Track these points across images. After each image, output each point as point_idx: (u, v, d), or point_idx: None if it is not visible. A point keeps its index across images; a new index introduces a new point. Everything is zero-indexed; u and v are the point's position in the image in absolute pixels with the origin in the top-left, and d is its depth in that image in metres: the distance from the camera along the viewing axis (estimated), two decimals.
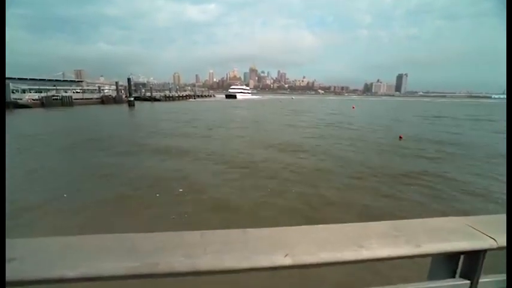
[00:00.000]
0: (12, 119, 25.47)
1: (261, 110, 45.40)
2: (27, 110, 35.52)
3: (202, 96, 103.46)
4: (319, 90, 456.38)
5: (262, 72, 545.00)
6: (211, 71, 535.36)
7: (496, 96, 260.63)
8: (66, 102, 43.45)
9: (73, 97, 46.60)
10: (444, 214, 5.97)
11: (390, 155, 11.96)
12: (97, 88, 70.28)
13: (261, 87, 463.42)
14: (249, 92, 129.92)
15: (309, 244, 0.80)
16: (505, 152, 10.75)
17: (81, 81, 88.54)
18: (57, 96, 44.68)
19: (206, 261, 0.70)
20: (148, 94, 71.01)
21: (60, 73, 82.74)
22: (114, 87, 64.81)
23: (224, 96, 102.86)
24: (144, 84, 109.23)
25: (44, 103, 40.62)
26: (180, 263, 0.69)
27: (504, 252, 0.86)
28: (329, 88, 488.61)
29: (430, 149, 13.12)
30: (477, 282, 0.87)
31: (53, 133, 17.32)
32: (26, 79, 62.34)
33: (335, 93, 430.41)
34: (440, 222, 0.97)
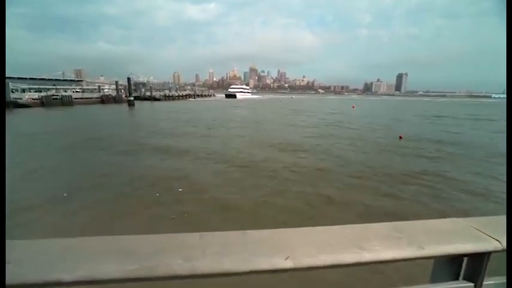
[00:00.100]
0: (12, 118, 25.45)
1: (261, 109, 45.40)
2: (27, 109, 35.51)
3: (202, 95, 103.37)
4: (319, 90, 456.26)
5: (262, 71, 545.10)
6: (211, 71, 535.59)
7: (496, 96, 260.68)
8: (66, 102, 43.42)
9: (73, 96, 46.52)
10: (444, 213, 5.98)
11: (390, 154, 11.96)
12: (97, 87, 70.27)
13: (261, 87, 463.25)
14: (249, 91, 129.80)
15: (310, 246, 0.78)
16: (505, 152, 10.73)
17: (81, 80, 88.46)
18: (57, 95, 44.66)
19: (205, 264, 0.69)
20: (148, 93, 70.98)
21: (60, 72, 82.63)
22: (114, 86, 64.77)
23: (224, 95, 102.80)
24: (144, 84, 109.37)
25: (43, 102, 40.61)
26: (179, 265, 0.68)
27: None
28: (329, 87, 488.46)
29: (430, 148, 13.11)
30: (481, 285, 0.85)
31: (53, 132, 17.31)
32: (26, 78, 62.31)
33: (335, 92, 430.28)
34: (443, 224, 0.96)
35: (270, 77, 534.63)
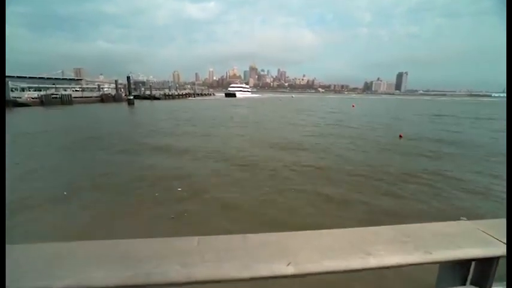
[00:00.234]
0: (12, 117, 25.41)
1: (261, 108, 45.35)
2: (27, 108, 35.47)
3: (202, 94, 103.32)
4: (319, 89, 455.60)
5: (262, 70, 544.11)
6: (211, 70, 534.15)
7: (496, 95, 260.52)
8: (66, 101, 43.39)
9: (72, 95, 46.50)
10: (444, 211, 5.97)
11: (390, 153, 11.96)
12: (96, 86, 70.22)
13: (261, 86, 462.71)
14: (249, 90, 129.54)
15: (313, 251, 0.75)
16: (505, 151, 10.73)
17: (81, 79, 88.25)
18: (56, 94, 44.64)
19: (203, 271, 0.66)
20: (147, 92, 70.99)
21: (60, 71, 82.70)
22: (113, 85, 64.73)
23: (224, 94, 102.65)
24: (143, 83, 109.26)
25: (43, 101, 40.58)
26: (176, 272, 0.65)
27: None
28: (329, 86, 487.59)
29: (430, 147, 13.10)
30: None
31: (53, 131, 17.28)
32: (25, 77, 62.20)
33: (335, 91, 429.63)
34: (450, 227, 0.93)
35: (270, 76, 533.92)
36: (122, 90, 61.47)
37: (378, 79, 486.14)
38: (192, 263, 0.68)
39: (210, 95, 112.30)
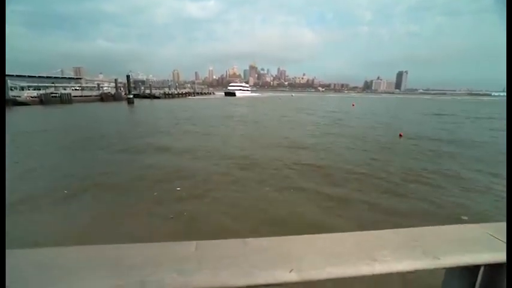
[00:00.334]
0: (11, 116, 25.36)
1: (261, 107, 45.31)
2: (26, 107, 35.42)
3: (201, 93, 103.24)
4: (319, 88, 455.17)
5: (262, 69, 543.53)
6: (210, 68, 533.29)
7: (496, 94, 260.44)
8: (65, 100, 43.33)
9: (72, 94, 46.45)
10: (444, 209, 5.97)
11: (390, 152, 11.95)
12: (96, 85, 70.04)
13: (261, 85, 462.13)
14: (249, 89, 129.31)
15: (316, 256, 0.72)
16: (505, 150, 10.73)
17: (80, 78, 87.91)
18: (56, 93, 44.56)
19: (201, 278, 0.63)
20: (147, 91, 70.91)
21: (59, 70, 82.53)
22: (113, 84, 64.65)
23: (223, 93, 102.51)
24: (143, 82, 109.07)
25: (42, 100, 40.52)
26: (173, 279, 0.62)
27: None
28: (329, 85, 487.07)
29: (430, 146, 13.09)
30: None
31: (52, 130, 17.25)
32: (25, 76, 61.97)
33: (335, 90, 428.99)
34: (458, 231, 0.91)
35: (269, 74, 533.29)
36: (122, 89, 61.42)
37: (378, 78, 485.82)
38: (190, 269, 0.65)
39: (210, 94, 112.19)
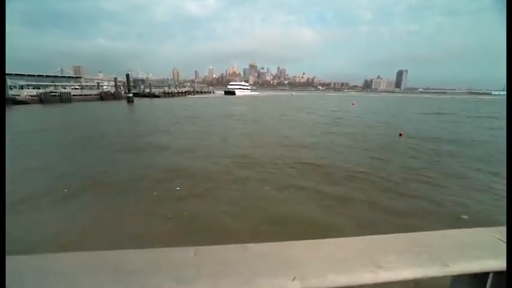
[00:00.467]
0: (11, 115, 25.31)
1: (261, 106, 45.25)
2: (25, 106, 35.35)
3: (201, 92, 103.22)
4: (319, 87, 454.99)
5: (262, 68, 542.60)
6: (210, 67, 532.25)
7: (496, 93, 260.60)
8: (65, 99, 43.22)
9: (71, 93, 46.30)
10: (444, 209, 5.97)
11: (390, 151, 11.95)
12: (96, 84, 69.95)
13: (261, 84, 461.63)
14: (248, 88, 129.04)
15: (319, 263, 0.70)
16: (505, 149, 10.72)
17: (80, 77, 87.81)
18: (55, 92, 44.42)
19: (200, 287, 0.61)
20: (147, 90, 70.71)
21: (59, 69, 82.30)
22: (112, 83, 64.52)
23: (223, 92, 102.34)
24: (143, 81, 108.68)
25: (42, 99, 40.42)
26: None
27: None
28: (329, 84, 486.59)
29: (430, 145, 13.09)
30: None
31: (52, 130, 17.22)
32: (24, 75, 61.82)
33: (335, 89, 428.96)
34: (466, 235, 0.87)
35: (269, 73, 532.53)
36: (121, 88, 61.31)
37: (378, 77, 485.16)
38: (188, 277, 0.63)
39: (210, 92, 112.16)
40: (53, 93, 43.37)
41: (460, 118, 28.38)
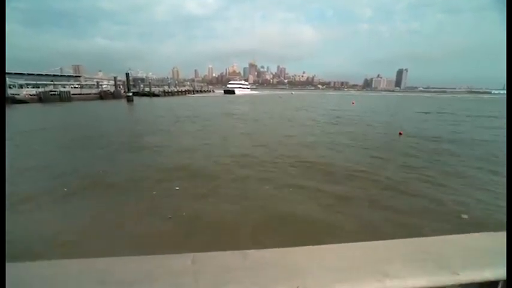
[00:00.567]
0: (10, 114, 25.25)
1: (261, 105, 45.20)
2: (25, 105, 35.26)
3: (201, 91, 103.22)
4: (319, 86, 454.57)
5: (262, 67, 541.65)
6: (210, 66, 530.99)
7: (496, 92, 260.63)
8: (64, 98, 43.15)
9: (71, 92, 46.23)
10: (444, 208, 5.96)
11: (390, 150, 11.94)
12: (95, 83, 69.83)
13: (261, 82, 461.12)
14: (248, 87, 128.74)
15: (323, 271, 0.66)
16: (505, 148, 10.72)
17: (79, 76, 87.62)
18: (55, 91, 44.32)
19: None
20: (147, 89, 70.58)
21: (58, 68, 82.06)
22: (112, 82, 64.40)
23: (223, 91, 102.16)
24: (142, 79, 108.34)
25: (41, 98, 40.32)
26: None
27: None
28: (329, 83, 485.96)
29: (430, 144, 13.10)
30: None
31: (52, 129, 17.19)
32: (23, 74, 61.74)
33: (334, 88, 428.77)
34: (473, 240, 0.84)
35: (269, 72, 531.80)
36: (121, 87, 61.25)
37: (378, 76, 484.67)
38: (185, 286, 0.60)
39: (210, 91, 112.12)
40: (52, 92, 43.27)
41: (460, 117, 28.37)
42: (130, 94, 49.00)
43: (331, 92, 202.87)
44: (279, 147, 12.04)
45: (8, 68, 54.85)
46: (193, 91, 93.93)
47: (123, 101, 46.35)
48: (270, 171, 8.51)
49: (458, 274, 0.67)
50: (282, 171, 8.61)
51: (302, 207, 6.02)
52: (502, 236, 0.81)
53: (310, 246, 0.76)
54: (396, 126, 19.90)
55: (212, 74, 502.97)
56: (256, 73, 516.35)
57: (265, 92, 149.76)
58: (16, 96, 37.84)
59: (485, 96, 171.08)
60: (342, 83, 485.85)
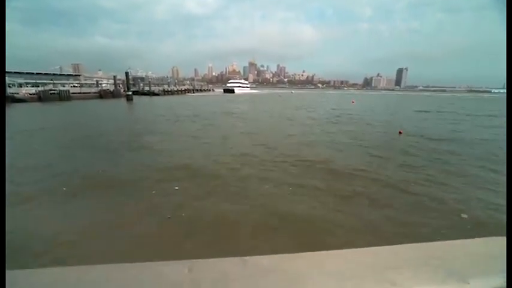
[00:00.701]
0: (9, 113, 25.20)
1: (261, 105, 45.15)
2: (24, 104, 35.18)
3: (201, 90, 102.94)
4: (319, 85, 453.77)
5: (262, 66, 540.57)
6: (210, 65, 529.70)
7: (496, 91, 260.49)
8: (64, 97, 43.04)
9: (71, 91, 46.10)
10: (445, 206, 5.96)
11: (390, 149, 11.94)
12: (95, 82, 69.70)
13: (260, 81, 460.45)
14: (248, 86, 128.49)
15: (325, 278, 0.63)
16: (505, 148, 10.71)
17: (79, 75, 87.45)
18: (54, 90, 44.18)
19: None
20: (146, 88, 70.40)
21: (58, 67, 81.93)
22: (112, 81, 64.24)
23: (222, 90, 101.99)
24: (142, 78, 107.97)
25: (41, 97, 40.20)
26: None
27: None
28: (329, 82, 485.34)
29: (430, 144, 13.11)
30: None
31: (51, 128, 17.16)
32: (23, 73, 61.51)
33: (334, 87, 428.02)
34: (481, 244, 0.80)
35: (269, 71, 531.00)
36: (121, 86, 61.04)
37: (378, 75, 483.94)
38: None
39: (209, 90, 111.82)
40: (51, 91, 43.13)
41: (460, 116, 28.37)
42: (130, 93, 48.86)
43: (331, 91, 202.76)
44: (279, 146, 12.03)
45: (7, 67, 54.68)
46: (193, 90, 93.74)
47: (123, 100, 46.27)
48: (270, 170, 8.51)
49: (469, 283, 0.64)
50: (281, 170, 8.60)
51: (302, 206, 6.02)
52: (504, 240, 0.78)
53: (311, 252, 0.73)
54: (396, 125, 19.90)
55: (212, 73, 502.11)
56: (256, 72, 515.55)
57: (265, 91, 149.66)
58: (15, 95, 37.73)
59: (485, 95, 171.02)
60: (342, 82, 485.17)
